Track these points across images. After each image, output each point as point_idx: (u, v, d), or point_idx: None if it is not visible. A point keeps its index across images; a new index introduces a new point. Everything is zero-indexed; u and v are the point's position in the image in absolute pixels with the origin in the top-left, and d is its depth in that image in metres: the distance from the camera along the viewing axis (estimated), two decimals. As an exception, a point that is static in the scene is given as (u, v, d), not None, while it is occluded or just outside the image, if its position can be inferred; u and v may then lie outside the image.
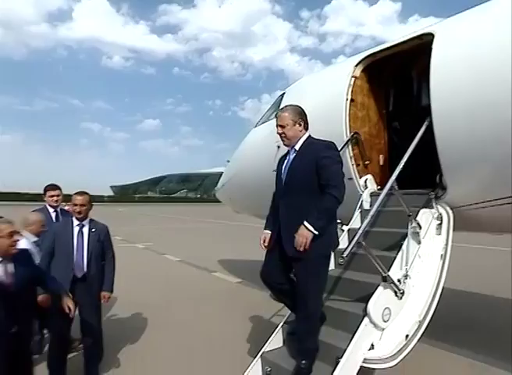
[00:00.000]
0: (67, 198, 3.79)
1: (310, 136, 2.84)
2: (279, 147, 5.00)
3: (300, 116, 2.78)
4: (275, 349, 3.06)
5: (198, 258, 9.64)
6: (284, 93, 5.59)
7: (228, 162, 6.84)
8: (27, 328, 2.65)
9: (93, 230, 3.41)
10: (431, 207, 3.36)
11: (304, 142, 2.79)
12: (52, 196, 4.07)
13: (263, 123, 5.89)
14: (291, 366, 2.75)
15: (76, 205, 3.32)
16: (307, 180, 2.66)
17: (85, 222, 3.39)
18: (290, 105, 2.88)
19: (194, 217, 28.91)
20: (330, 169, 2.60)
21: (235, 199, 6.58)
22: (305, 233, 2.48)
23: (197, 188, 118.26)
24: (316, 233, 2.47)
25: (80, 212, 3.33)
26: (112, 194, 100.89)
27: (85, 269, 3.29)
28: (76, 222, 3.37)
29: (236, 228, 19.05)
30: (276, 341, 3.11)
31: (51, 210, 4.05)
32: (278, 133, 2.83)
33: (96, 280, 3.34)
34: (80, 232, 3.35)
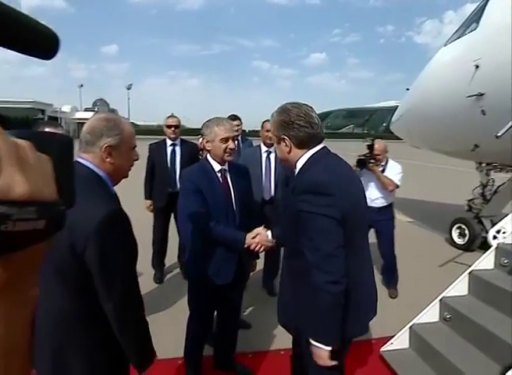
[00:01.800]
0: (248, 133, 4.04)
1: (314, 156, 1.61)
2: (477, 66, 4.13)
3: (284, 130, 1.61)
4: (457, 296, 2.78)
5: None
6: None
7: (407, 89, 6.10)
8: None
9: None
10: None
11: (302, 168, 1.63)
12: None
13: (456, 39, 4.90)
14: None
15: (267, 131, 3.54)
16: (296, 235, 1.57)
17: (272, 148, 3.61)
18: (277, 111, 1.66)
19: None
20: (308, 229, 1.48)
21: (414, 132, 5.91)
22: (317, 353, 1.51)
23: (364, 124, 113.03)
24: (329, 348, 1.48)
25: (271, 138, 3.56)
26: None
27: (272, 192, 3.57)
28: (264, 148, 3.62)
29: (409, 166, 17.65)
30: (459, 288, 2.81)
31: (231, 138, 4.46)
32: None
33: (282, 203, 3.58)
34: (268, 158, 3.60)
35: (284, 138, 1.61)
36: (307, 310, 1.51)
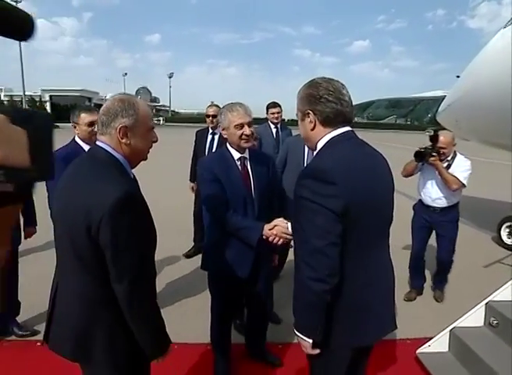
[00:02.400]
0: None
1: (334, 139, 1.44)
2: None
3: (310, 104, 1.45)
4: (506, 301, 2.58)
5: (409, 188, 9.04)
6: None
7: (458, 77, 5.70)
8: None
9: None
10: None
11: (320, 151, 1.48)
12: (273, 113, 4.36)
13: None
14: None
15: None
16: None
17: None
18: (305, 85, 1.51)
19: (404, 145, 27.00)
20: (303, 217, 1.36)
21: (463, 123, 5.52)
22: (301, 343, 1.48)
23: (408, 114, 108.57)
24: (311, 340, 1.43)
25: None
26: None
27: None
28: None
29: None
30: (509, 292, 2.60)
31: (272, 126, 4.38)
32: None
33: None
34: None
35: (309, 113, 1.46)
36: (294, 300, 1.46)
